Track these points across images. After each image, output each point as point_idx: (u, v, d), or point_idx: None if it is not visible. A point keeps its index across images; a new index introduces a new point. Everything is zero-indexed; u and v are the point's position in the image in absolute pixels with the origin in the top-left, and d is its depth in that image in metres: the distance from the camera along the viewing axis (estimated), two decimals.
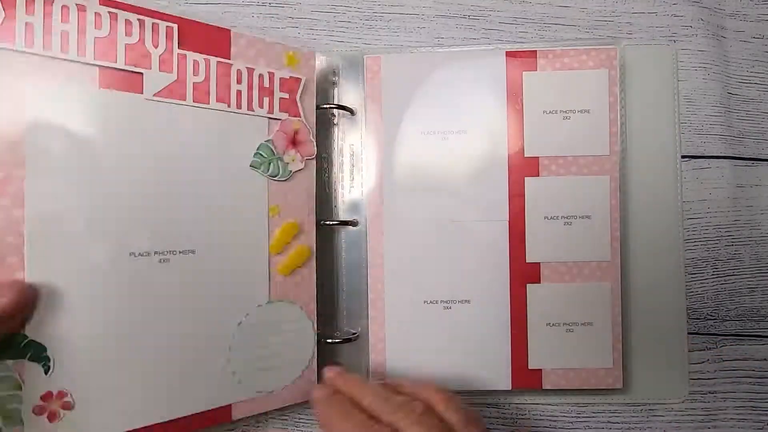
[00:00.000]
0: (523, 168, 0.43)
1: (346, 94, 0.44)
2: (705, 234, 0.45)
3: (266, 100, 0.38)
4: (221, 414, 0.36)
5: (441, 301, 0.43)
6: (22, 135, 0.29)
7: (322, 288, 0.43)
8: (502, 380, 0.43)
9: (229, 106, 0.37)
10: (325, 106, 0.43)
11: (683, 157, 0.44)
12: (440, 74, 0.43)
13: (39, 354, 0.30)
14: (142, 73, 0.33)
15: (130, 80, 0.33)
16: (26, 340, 0.30)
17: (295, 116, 0.40)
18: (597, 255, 0.42)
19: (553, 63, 0.43)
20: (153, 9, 0.34)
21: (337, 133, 0.44)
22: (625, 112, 0.43)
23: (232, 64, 0.37)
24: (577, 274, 0.42)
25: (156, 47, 0.34)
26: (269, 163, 0.38)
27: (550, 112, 0.43)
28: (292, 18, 0.47)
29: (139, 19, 0.33)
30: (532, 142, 0.43)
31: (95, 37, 0.32)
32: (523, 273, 0.43)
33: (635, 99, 0.44)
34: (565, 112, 0.43)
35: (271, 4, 0.47)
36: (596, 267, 0.42)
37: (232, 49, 0.37)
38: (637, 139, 0.43)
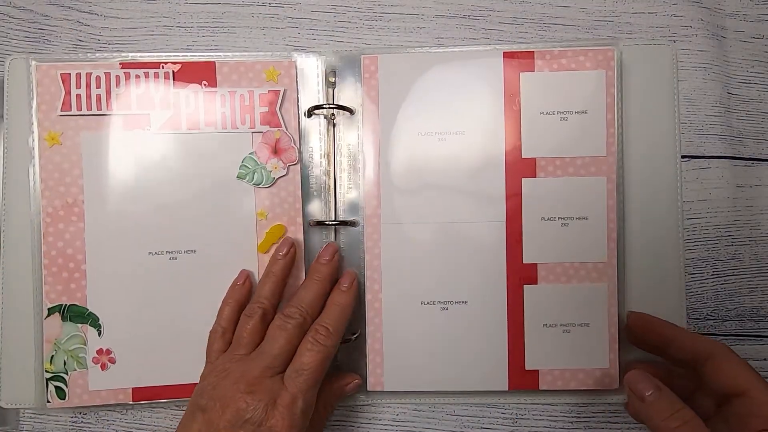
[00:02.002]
0: (520, 169, 0.42)
1: (346, 93, 0.44)
2: (705, 234, 0.45)
3: (247, 117, 0.43)
4: None
5: (438, 302, 0.42)
6: (81, 171, 0.42)
7: None
8: (499, 381, 0.42)
9: (215, 128, 0.43)
10: (324, 106, 0.43)
11: (683, 157, 0.44)
12: (437, 74, 0.43)
13: (95, 321, 0.42)
14: (149, 114, 0.42)
15: (141, 120, 0.43)
16: (88, 311, 0.42)
17: (275, 126, 0.43)
18: (594, 256, 0.42)
19: (550, 64, 0.42)
20: (155, 60, 0.43)
21: (337, 133, 0.44)
22: (622, 113, 0.43)
23: (216, 92, 0.43)
24: (574, 275, 0.42)
25: (157, 91, 0.43)
26: (253, 173, 0.43)
27: (547, 113, 0.42)
28: (292, 18, 0.47)
29: (145, 72, 0.42)
30: (530, 142, 0.42)
31: (117, 94, 0.42)
32: (520, 274, 0.42)
33: (635, 99, 0.43)
34: (563, 112, 0.42)
35: (271, 4, 0.47)
36: (593, 268, 0.42)
37: (218, 78, 0.43)
38: (637, 140, 0.43)
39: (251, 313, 0.39)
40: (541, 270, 0.42)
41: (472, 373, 0.43)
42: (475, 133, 0.43)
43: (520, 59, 0.43)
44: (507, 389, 0.43)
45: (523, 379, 0.42)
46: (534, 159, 0.42)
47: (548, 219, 0.42)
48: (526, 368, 0.42)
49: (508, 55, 0.43)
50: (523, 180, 0.42)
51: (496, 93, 0.43)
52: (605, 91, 0.42)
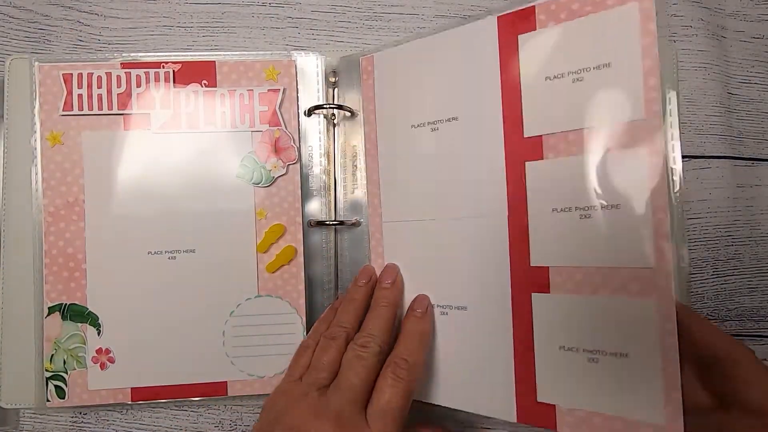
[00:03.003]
0: (522, 151, 0.35)
1: (347, 93, 0.44)
2: (705, 234, 0.45)
3: (247, 116, 0.43)
4: (218, 388, 0.43)
5: (438, 306, 0.39)
6: (82, 170, 0.42)
7: (324, 288, 0.44)
8: (505, 409, 0.36)
9: (215, 127, 0.43)
10: (324, 106, 0.43)
11: (683, 157, 0.44)
12: (431, 61, 0.39)
13: (95, 320, 0.42)
14: (149, 113, 0.42)
15: (142, 120, 0.43)
16: (88, 310, 0.42)
17: (275, 126, 0.43)
18: (632, 259, 0.31)
19: (556, 15, 0.34)
20: (155, 60, 0.43)
21: (338, 134, 0.44)
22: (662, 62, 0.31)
23: (216, 91, 0.43)
24: (602, 284, 0.32)
25: (158, 91, 0.43)
26: (253, 172, 0.43)
27: (554, 77, 0.34)
28: (292, 18, 0.47)
29: (145, 72, 0.42)
30: (533, 118, 0.34)
31: (117, 94, 0.43)
32: (527, 279, 0.35)
33: None
34: (576, 72, 0.33)
35: (271, 4, 0.47)
36: (631, 276, 0.31)
37: (218, 77, 0.43)
38: None
39: (335, 335, 0.37)
40: (555, 275, 0.34)
41: (475, 392, 0.37)
42: (469, 117, 0.37)
43: (517, 20, 0.35)
44: (515, 421, 0.35)
45: (535, 413, 0.34)
46: (539, 137, 0.34)
47: (561, 210, 0.33)
48: (538, 399, 0.34)
49: (502, 19, 0.36)
50: (527, 164, 0.35)
51: (491, 66, 0.36)
52: (639, 29, 0.31)
